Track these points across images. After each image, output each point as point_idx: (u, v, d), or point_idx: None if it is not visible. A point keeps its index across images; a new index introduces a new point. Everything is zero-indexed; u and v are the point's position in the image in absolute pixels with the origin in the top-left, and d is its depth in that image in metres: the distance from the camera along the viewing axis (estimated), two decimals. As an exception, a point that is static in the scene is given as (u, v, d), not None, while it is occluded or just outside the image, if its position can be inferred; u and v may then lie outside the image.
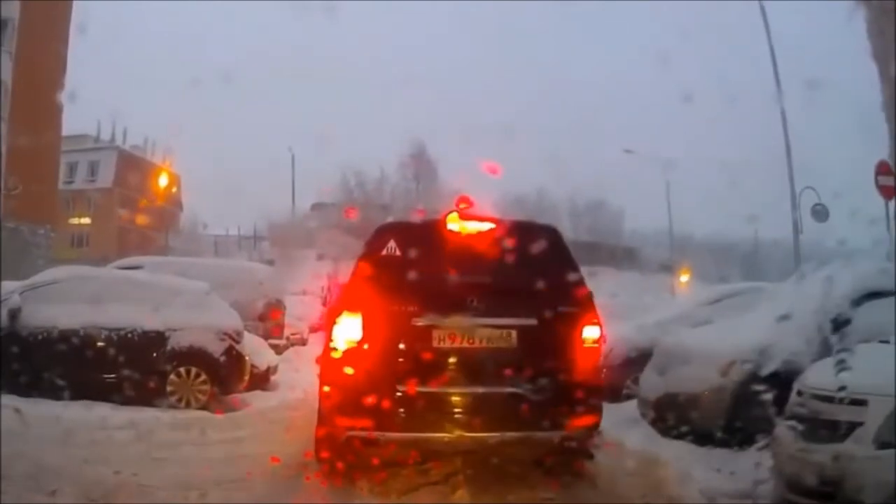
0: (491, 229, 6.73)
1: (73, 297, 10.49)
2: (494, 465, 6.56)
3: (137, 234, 56.59)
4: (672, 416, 8.39)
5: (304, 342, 20.96)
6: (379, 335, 6.30)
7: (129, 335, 10.42)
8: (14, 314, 10.20)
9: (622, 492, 6.57)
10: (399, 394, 6.15)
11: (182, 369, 10.54)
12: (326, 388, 6.50)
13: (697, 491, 6.32)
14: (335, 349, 6.38)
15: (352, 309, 6.41)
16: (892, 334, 6.12)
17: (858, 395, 5.16)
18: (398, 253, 6.62)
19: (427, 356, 6.22)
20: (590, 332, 6.49)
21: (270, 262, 33.59)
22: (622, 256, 50.35)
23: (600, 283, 6.93)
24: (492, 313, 6.32)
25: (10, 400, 8.26)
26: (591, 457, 6.80)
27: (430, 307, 6.28)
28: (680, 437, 8.11)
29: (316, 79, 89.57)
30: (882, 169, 16.52)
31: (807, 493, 5.34)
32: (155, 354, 10.44)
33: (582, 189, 57.70)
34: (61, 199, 49.33)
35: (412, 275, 6.30)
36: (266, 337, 14.38)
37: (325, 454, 6.58)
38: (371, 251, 6.76)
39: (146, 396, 10.00)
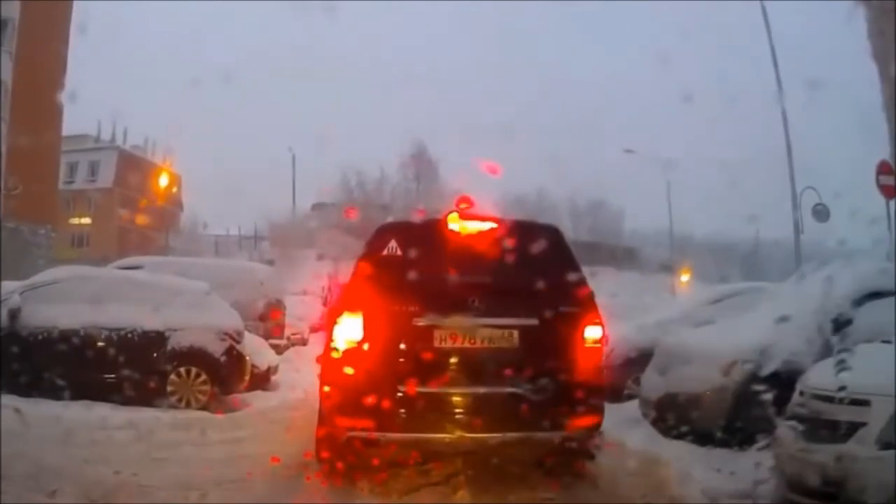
0: (492, 229, 6.71)
1: (73, 297, 10.48)
2: (496, 465, 6.54)
3: (138, 234, 56.57)
4: (674, 417, 8.37)
5: (304, 342, 20.94)
6: (380, 335, 6.28)
7: (130, 335, 10.41)
8: (14, 314, 10.19)
9: (624, 492, 6.55)
10: (400, 394, 6.13)
11: (182, 369, 10.53)
12: (327, 389, 6.48)
13: (699, 491, 6.30)
14: (336, 349, 6.36)
15: (353, 309, 6.39)
16: (894, 334, 6.11)
17: (861, 395, 5.15)
18: (399, 253, 6.60)
19: (428, 356, 6.19)
20: (591, 332, 6.46)
21: (271, 262, 33.56)
22: (622, 256, 50.31)
23: (600, 283, 6.91)
24: (493, 313, 6.30)
25: (10, 400, 8.25)
26: (592, 457, 6.77)
27: (432, 307, 6.26)
28: (681, 437, 8.10)
29: (316, 79, 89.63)
30: (883, 168, 16.53)
31: (809, 494, 5.33)
32: (155, 354, 10.43)
33: (582, 189, 57.72)
34: (62, 199, 49.34)
35: (413, 275, 6.28)
36: (267, 337, 14.36)
37: (325, 454, 6.56)
38: (372, 251, 6.73)
39: (146, 396, 9.98)
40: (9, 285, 10.75)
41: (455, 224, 6.70)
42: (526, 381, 6.20)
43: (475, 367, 6.27)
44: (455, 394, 6.26)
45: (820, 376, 5.77)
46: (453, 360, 6.28)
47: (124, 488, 6.09)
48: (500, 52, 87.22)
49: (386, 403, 6.08)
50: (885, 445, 4.89)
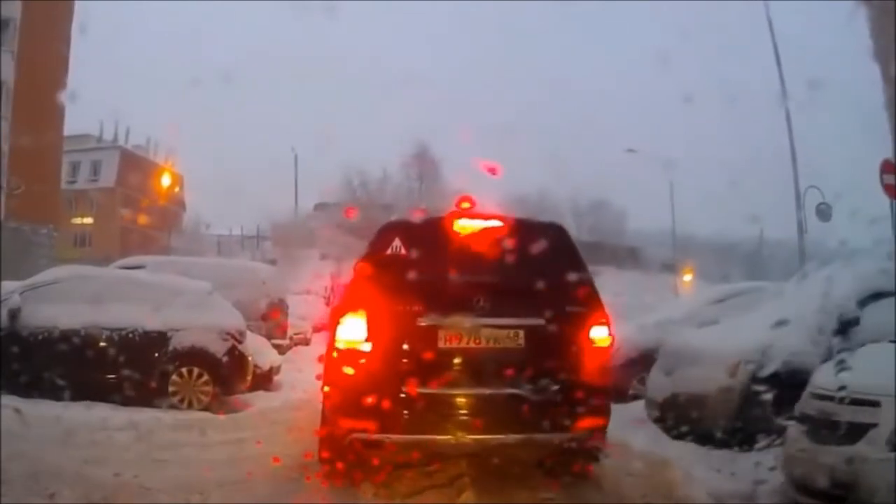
0: (497, 227, 6.64)
1: (73, 297, 10.44)
2: (500, 466, 6.47)
3: (140, 233, 56.61)
4: (680, 417, 8.34)
5: (307, 342, 20.93)
6: (383, 335, 6.21)
7: (131, 335, 10.36)
8: (14, 314, 10.16)
9: (630, 494, 6.49)
10: (403, 395, 6.05)
11: (184, 370, 10.48)
12: (329, 389, 6.42)
13: (705, 492, 6.25)
14: (338, 349, 6.30)
15: (356, 309, 6.32)
16: (895, 334, 6.07)
17: (871, 396, 5.09)
18: (403, 252, 6.53)
19: (432, 357, 6.10)
20: (598, 332, 6.38)
21: (273, 262, 33.53)
22: (624, 256, 50.18)
23: (603, 282, 6.84)
24: (498, 313, 6.22)
25: (10, 400, 8.25)
26: (598, 459, 6.70)
27: (435, 307, 6.19)
28: (681, 437, 8.08)
29: (317, 79, 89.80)
30: (887, 168, 16.45)
31: (816, 495, 5.27)
32: (157, 355, 10.38)
33: (584, 189, 57.59)
34: (64, 198, 49.37)
35: (417, 274, 6.21)
36: (269, 337, 14.31)
37: (327, 456, 6.49)
38: (375, 250, 6.66)
39: (147, 397, 9.94)
40: (9, 285, 10.72)
41: (460, 222, 6.64)
42: (532, 382, 6.11)
43: (480, 368, 6.18)
44: (459, 395, 6.18)
45: (826, 377, 5.70)
46: (457, 360, 6.19)
47: (125, 490, 6.04)
48: (501, 52, 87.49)
49: (389, 404, 6.00)
50: (896, 447, 4.82)
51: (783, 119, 24.15)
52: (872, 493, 4.83)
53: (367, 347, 6.22)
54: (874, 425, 4.96)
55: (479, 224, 6.66)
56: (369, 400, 5.97)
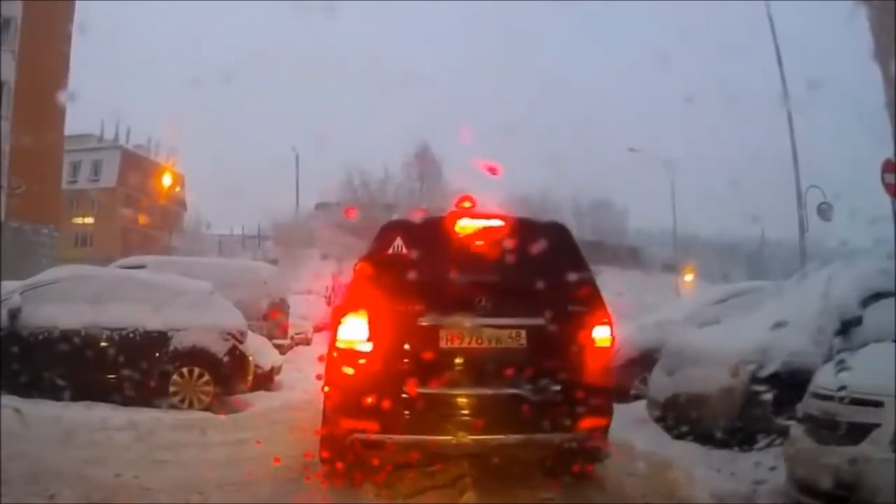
0: (499, 227, 6.61)
1: (74, 297, 10.44)
2: (502, 467, 6.45)
3: (141, 233, 56.65)
4: (682, 417, 8.32)
5: (308, 342, 20.92)
6: (385, 335, 6.17)
7: (131, 335, 10.35)
8: (14, 314, 10.15)
9: (632, 494, 6.47)
10: (404, 395, 6.02)
11: (185, 370, 10.47)
12: (330, 389, 6.39)
13: (707, 493, 6.22)
14: (340, 349, 6.28)
15: (357, 308, 6.28)
16: (895, 334, 6.05)
17: (874, 396, 5.06)
18: (404, 251, 6.50)
19: (434, 357, 6.06)
20: (600, 332, 6.33)
21: (274, 262, 33.47)
22: (626, 256, 50.16)
23: (604, 282, 6.81)
24: (500, 313, 6.17)
25: (10, 400, 8.25)
26: (601, 459, 6.66)
27: (437, 307, 6.14)
28: (682, 437, 8.07)
29: (317, 78, 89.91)
30: (888, 167, 16.43)
31: (819, 496, 5.24)
32: (157, 355, 10.37)
33: (586, 188, 57.69)
34: (65, 198, 49.41)
35: (419, 273, 6.17)
36: (270, 337, 14.30)
37: (328, 456, 6.46)
38: (376, 250, 6.63)
39: (148, 397, 9.92)
40: (9, 285, 10.71)
41: (462, 221, 6.61)
42: (534, 383, 6.06)
43: (482, 369, 6.14)
44: (461, 395, 6.14)
45: (828, 377, 5.68)
46: (459, 360, 6.15)
47: (125, 490, 6.02)
48: (501, 52, 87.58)
49: (390, 404, 5.96)
50: (900, 447, 4.80)
51: (784, 119, 24.18)
52: (875, 493, 4.80)
53: (368, 347, 6.18)
54: (877, 425, 4.94)
55: (480, 223, 6.63)
56: (370, 400, 5.94)
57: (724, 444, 7.55)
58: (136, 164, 58.56)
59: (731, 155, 60.30)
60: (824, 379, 5.71)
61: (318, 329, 21.41)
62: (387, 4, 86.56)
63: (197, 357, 10.53)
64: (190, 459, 7.41)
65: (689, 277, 44.27)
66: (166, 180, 51.80)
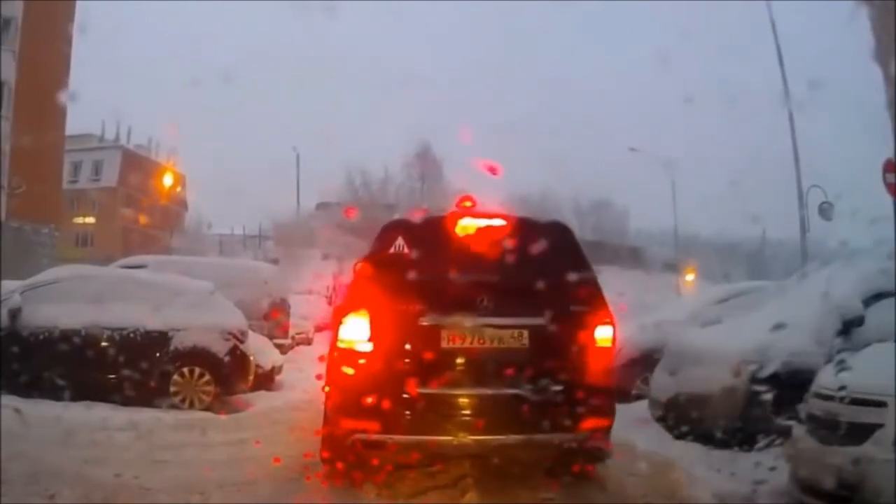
0: (501, 226, 6.59)
1: (74, 297, 10.44)
2: (504, 467, 6.43)
3: (142, 233, 56.69)
4: (683, 417, 8.30)
5: (309, 342, 20.91)
6: (386, 335, 6.15)
7: (132, 335, 10.34)
8: (15, 314, 10.14)
9: (634, 494, 6.45)
10: (406, 395, 6.00)
11: (186, 370, 10.46)
12: (331, 389, 6.37)
13: (710, 493, 6.21)
14: (341, 349, 6.26)
15: (358, 308, 6.27)
16: (895, 334, 6.03)
17: (877, 396, 5.04)
18: (405, 251, 6.47)
19: (435, 357, 6.04)
20: (602, 332, 6.32)
21: (275, 261, 33.46)
22: (627, 255, 50.06)
23: (605, 282, 6.79)
24: (502, 313, 6.15)
25: (10, 400, 8.22)
26: (603, 459, 6.64)
27: (439, 306, 6.12)
28: (683, 437, 8.06)
29: (317, 78, 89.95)
30: (889, 167, 16.42)
31: (822, 496, 5.23)
32: (158, 354, 10.35)
33: (586, 189, 57.63)
34: (65, 198, 49.36)
35: (420, 273, 6.15)
36: (271, 336, 14.28)
37: (329, 456, 6.45)
38: (378, 249, 6.61)
39: (148, 397, 9.91)
40: (9, 285, 10.70)
41: (463, 221, 6.59)
42: (536, 383, 6.04)
43: (483, 369, 6.12)
44: (463, 395, 6.12)
45: (830, 377, 5.66)
46: (461, 360, 6.13)
47: (125, 490, 6.00)
48: (501, 52, 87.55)
49: (391, 405, 5.95)
50: (903, 448, 4.78)
51: (784, 119, 24.20)
52: (878, 493, 4.78)
53: (369, 347, 6.16)
54: (880, 426, 4.92)
55: (482, 223, 6.61)
56: (371, 400, 5.93)
57: (724, 445, 7.54)
58: (137, 164, 58.58)
59: (731, 155, 60.40)
60: (826, 379, 5.69)
61: (319, 329, 21.36)
62: (387, 4, 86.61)
63: (198, 357, 10.52)
64: (190, 459, 7.40)
65: (690, 277, 44.23)
66: (167, 180, 51.88)
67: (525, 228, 6.63)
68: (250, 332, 11.41)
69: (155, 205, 57.12)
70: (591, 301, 6.39)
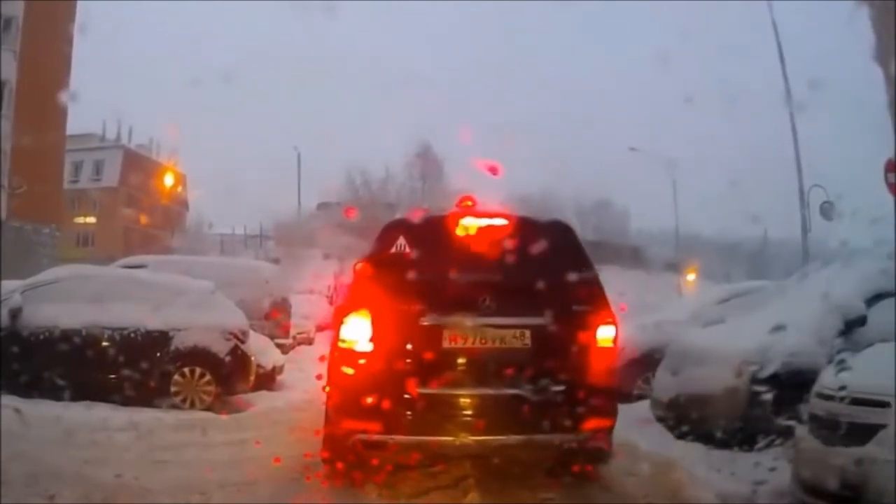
0: (502, 226, 6.58)
1: (74, 297, 10.43)
2: (505, 468, 6.42)
3: (143, 233, 56.66)
4: (685, 417, 8.29)
5: (310, 341, 20.85)
6: (387, 335, 6.14)
7: (132, 335, 10.33)
8: (15, 314, 10.13)
9: (635, 494, 6.43)
10: (407, 396, 5.98)
11: (186, 370, 10.45)
12: (332, 389, 6.36)
13: (713, 494, 6.19)
14: (342, 349, 6.24)
15: (359, 308, 6.25)
16: (894, 334, 6.01)
17: (880, 397, 5.02)
18: (407, 251, 6.46)
19: (436, 357, 6.03)
20: (604, 332, 6.30)
21: (276, 261, 33.41)
22: (628, 255, 49.97)
23: (606, 281, 6.77)
24: (504, 312, 6.14)
25: (10, 400, 8.21)
26: (606, 459, 6.62)
27: (440, 306, 6.10)
28: (683, 436, 8.05)
29: (318, 78, 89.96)
30: (891, 167, 16.40)
31: (825, 496, 5.21)
32: (158, 354, 10.34)
33: (587, 188, 57.55)
34: (66, 198, 49.32)
35: (421, 273, 6.15)
36: (272, 336, 14.25)
37: (330, 456, 6.44)
38: (379, 249, 6.59)
39: (149, 397, 9.90)
40: (10, 284, 10.69)
41: (465, 220, 6.57)
42: (538, 383, 6.03)
43: (485, 369, 6.11)
44: (464, 396, 6.11)
45: (832, 378, 5.64)
46: (462, 360, 6.12)
47: (125, 491, 5.98)
48: (501, 52, 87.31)
49: (394, 405, 5.93)
50: (906, 448, 4.75)
51: (785, 119, 24.20)
52: (881, 494, 4.76)
53: (369, 347, 6.15)
54: (883, 426, 4.89)
55: (483, 222, 6.59)
56: (372, 400, 5.92)
57: (724, 445, 7.52)
58: (138, 164, 58.59)
59: (732, 154, 60.32)
60: (828, 379, 5.67)
61: (320, 329, 21.32)
62: (387, 4, 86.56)
63: (198, 357, 10.51)
64: (191, 460, 7.40)
65: (691, 277, 44.18)
66: (168, 180, 51.87)
67: (526, 228, 6.61)
68: (251, 332, 11.40)
69: (156, 205, 57.10)
70: (593, 301, 6.37)
